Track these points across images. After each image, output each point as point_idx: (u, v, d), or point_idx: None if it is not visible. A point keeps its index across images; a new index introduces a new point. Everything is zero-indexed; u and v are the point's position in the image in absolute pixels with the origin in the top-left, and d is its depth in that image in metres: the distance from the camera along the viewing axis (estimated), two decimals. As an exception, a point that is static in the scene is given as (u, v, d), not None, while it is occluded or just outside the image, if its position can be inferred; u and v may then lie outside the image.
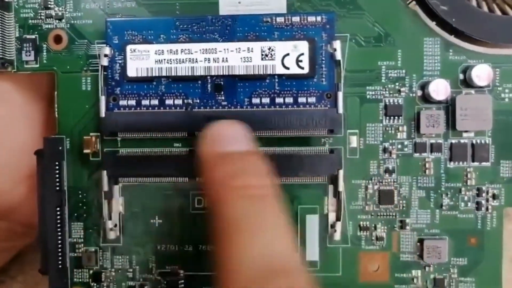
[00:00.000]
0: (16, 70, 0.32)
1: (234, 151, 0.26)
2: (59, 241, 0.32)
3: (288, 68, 0.31)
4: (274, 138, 0.32)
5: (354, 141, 0.32)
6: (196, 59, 0.31)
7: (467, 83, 0.32)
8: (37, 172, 0.32)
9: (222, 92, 0.31)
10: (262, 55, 0.31)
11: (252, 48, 0.31)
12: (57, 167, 0.32)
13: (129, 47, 0.31)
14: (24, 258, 0.39)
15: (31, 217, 0.33)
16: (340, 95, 0.31)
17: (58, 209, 0.32)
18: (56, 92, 0.32)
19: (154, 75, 0.31)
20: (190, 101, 0.31)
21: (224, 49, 0.31)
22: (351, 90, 0.32)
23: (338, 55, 0.31)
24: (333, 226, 0.32)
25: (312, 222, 0.32)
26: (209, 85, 0.31)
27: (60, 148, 0.32)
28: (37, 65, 0.32)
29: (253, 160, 0.26)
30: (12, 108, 0.33)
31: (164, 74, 0.31)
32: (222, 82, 0.31)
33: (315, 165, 0.31)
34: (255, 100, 0.31)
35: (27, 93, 0.33)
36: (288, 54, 0.31)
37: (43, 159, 0.31)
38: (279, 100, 0.31)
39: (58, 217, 0.32)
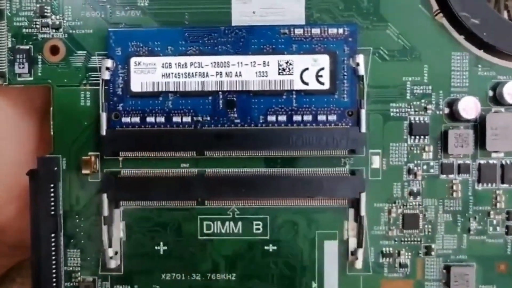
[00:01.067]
0: (8, 83, 0.30)
1: None
2: (54, 270, 0.30)
3: (307, 84, 0.29)
4: (291, 158, 0.30)
5: (376, 162, 0.30)
6: (207, 73, 0.29)
7: (497, 100, 0.30)
8: (30, 194, 0.29)
9: (235, 109, 0.29)
10: (279, 69, 0.29)
11: (268, 62, 0.29)
12: (52, 189, 0.30)
13: (133, 60, 0.29)
14: (24, 260, 0.37)
15: (19, 239, 0.31)
16: (363, 112, 0.29)
17: (53, 235, 0.30)
18: (51, 108, 0.30)
19: (160, 90, 0.29)
20: (199, 118, 0.29)
21: (238, 63, 0.29)
22: (374, 107, 0.30)
23: (361, 70, 0.29)
24: (354, 253, 0.30)
25: (331, 248, 0.30)
26: (220, 101, 0.29)
27: (56, 168, 0.30)
28: (31, 78, 0.30)
29: None
30: (2, 124, 0.31)
31: (171, 89, 0.29)
32: (235, 98, 0.29)
33: (335, 188, 0.29)
34: (271, 118, 0.29)
35: (19, 108, 0.31)
36: (307, 69, 0.29)
37: (36, 180, 0.29)
38: (296, 117, 0.29)
39: (53, 243, 0.30)
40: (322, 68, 0.29)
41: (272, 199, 0.30)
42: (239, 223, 0.30)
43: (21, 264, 0.37)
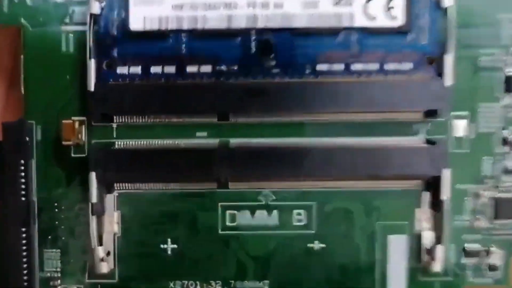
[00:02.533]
0: None
1: None
2: (25, 277, 0.26)
3: (373, 19, 0.24)
4: (347, 124, 0.25)
5: (460, 128, 0.25)
6: (236, 4, 0.24)
7: None
8: None
9: (273, 55, 0.25)
10: (334, -1, 0.24)
11: (318, -11, 0.24)
12: (22, 168, 0.26)
13: None
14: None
15: None
16: (449, 59, 0.24)
17: (23, 229, 0.26)
18: (22, 56, 0.26)
19: (170, 27, 0.25)
20: (223, 67, 0.25)
21: (277, -10, 0.24)
22: (461, 53, 0.25)
23: (446, 1, 0.24)
24: (430, 251, 0.25)
25: (398, 245, 0.26)
26: (253, 44, 0.25)
27: (27, 138, 0.26)
28: None
29: None
30: None
31: (185, 26, 0.25)
32: (273, 40, 0.25)
33: (407, 163, 0.24)
34: (322, 67, 0.25)
35: None
36: (373, -2, 0.24)
37: (1, 155, 0.26)
38: (357, 66, 0.24)
39: (24, 241, 0.26)
40: (394, -2, 0.24)
41: (320, 180, 0.25)
42: (274, 212, 0.26)
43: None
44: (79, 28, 0.25)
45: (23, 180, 0.25)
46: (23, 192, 0.25)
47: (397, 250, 0.25)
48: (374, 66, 0.24)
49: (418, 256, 0.25)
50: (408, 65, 0.24)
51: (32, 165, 0.26)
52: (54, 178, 0.26)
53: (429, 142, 0.25)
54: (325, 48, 0.25)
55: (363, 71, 0.24)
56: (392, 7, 0.23)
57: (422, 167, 0.24)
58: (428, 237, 0.25)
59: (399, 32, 0.24)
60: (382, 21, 0.24)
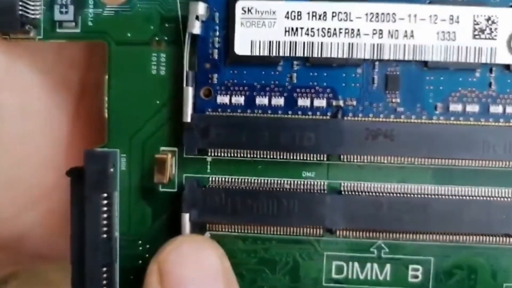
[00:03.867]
0: (43, 37, 0.23)
1: None
2: None
3: None
4: (477, 171, 0.22)
5: None
6: (358, 30, 0.21)
7: None
8: (71, 205, 0.23)
9: (398, 92, 0.21)
10: (474, 29, 0.21)
11: (457, 17, 0.21)
12: (105, 201, 0.23)
13: (240, 4, 0.21)
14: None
15: (43, 250, 0.27)
16: None
17: (104, 269, 0.23)
18: (106, 76, 0.23)
19: (281, 54, 0.21)
20: (340, 102, 0.22)
21: (408, 16, 0.21)
22: None
23: None
24: None
25: None
26: (376, 77, 0.21)
27: (112, 170, 0.23)
28: (78, 30, 0.23)
29: None
30: (28, 100, 0.24)
31: (299, 53, 0.21)
32: (398, 72, 0.21)
33: None
34: (455, 107, 0.21)
35: (56, 77, 0.25)
36: (520, 30, 0.20)
37: (82, 185, 0.23)
38: (495, 108, 0.21)
39: (104, 282, 0.23)
40: (546, 31, 0.21)
41: (441, 233, 0.22)
42: (387, 267, 0.22)
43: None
44: (174, 47, 0.22)
45: (105, 215, 0.23)
46: (104, 229, 0.23)
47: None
48: (516, 111, 0.20)
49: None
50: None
51: (115, 199, 0.23)
52: (138, 213, 0.23)
53: None
54: (459, 86, 0.21)
55: (501, 115, 0.21)
56: (544, 43, 0.20)
57: None
58: None
59: (551, 72, 0.20)
60: (530, 59, 0.20)
